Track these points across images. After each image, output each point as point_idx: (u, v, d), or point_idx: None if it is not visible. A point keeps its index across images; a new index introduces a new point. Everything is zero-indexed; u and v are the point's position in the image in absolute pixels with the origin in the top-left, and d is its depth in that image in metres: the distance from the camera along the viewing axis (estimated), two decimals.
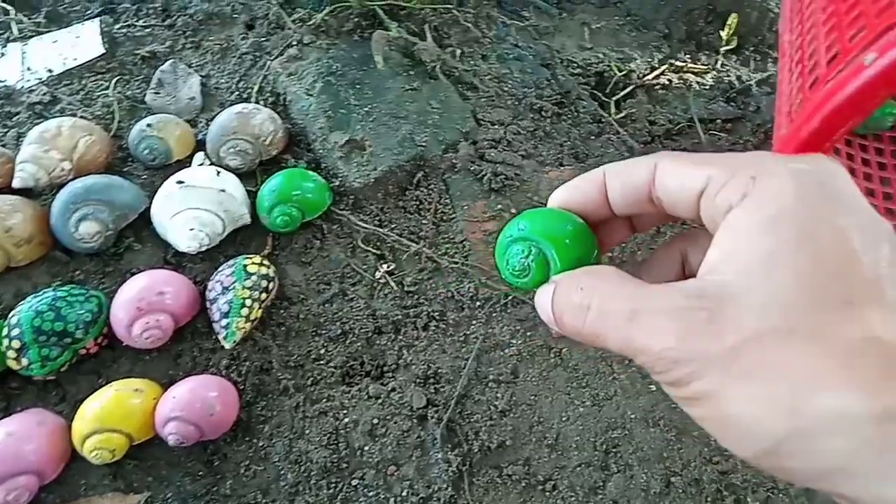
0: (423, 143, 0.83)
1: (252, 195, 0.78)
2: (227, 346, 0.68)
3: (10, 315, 0.65)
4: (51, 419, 0.64)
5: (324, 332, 0.73)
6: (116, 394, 0.63)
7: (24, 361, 0.64)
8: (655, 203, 0.28)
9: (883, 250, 0.23)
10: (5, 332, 0.64)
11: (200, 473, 0.65)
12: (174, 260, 0.76)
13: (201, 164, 0.80)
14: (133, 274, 0.73)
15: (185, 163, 0.82)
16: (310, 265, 0.77)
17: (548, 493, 0.66)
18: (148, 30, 0.97)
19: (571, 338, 0.27)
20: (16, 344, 0.63)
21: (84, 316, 0.66)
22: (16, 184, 0.75)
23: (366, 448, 0.66)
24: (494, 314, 0.75)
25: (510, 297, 0.76)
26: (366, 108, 0.85)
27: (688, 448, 0.68)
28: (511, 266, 0.29)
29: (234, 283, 0.69)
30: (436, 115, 0.87)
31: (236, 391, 0.67)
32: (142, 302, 0.67)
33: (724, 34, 0.97)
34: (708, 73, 1.01)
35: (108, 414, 0.62)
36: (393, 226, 0.80)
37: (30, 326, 0.63)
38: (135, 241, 0.76)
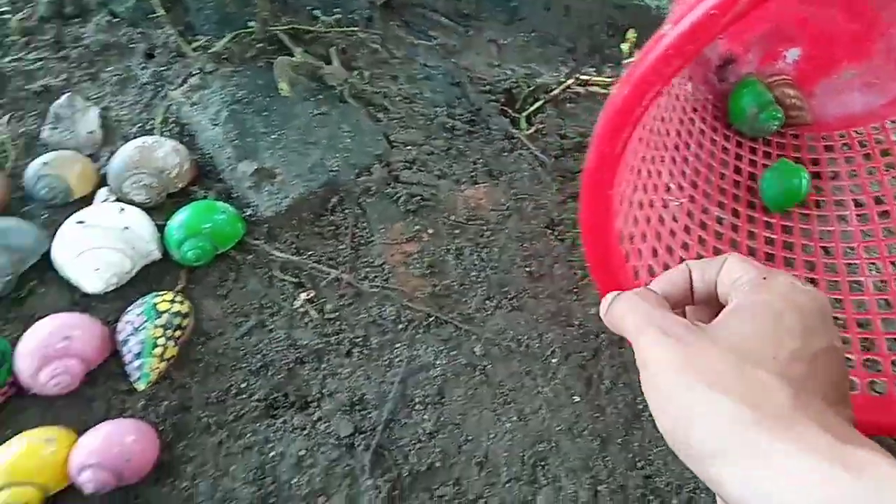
0: (336, 168, 0.83)
1: (161, 229, 0.76)
2: (141, 387, 0.66)
3: None
4: None
5: (244, 365, 0.72)
6: (27, 445, 0.60)
7: None
8: (715, 288, 0.39)
9: (815, 345, 0.34)
10: None
11: None
12: (82, 301, 0.73)
13: (105, 201, 0.77)
14: (38, 319, 0.70)
15: (88, 199, 0.79)
16: (226, 298, 0.76)
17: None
18: (40, 62, 0.93)
19: (606, 322, 0.40)
20: None
21: None
22: None
23: (293, 481, 0.66)
24: (418, 336, 0.76)
25: (432, 318, 0.76)
26: (274, 136, 0.84)
27: (613, 456, 0.71)
28: None
29: (144, 322, 0.67)
30: (347, 139, 0.87)
31: (155, 433, 0.65)
32: (47, 348, 0.64)
33: (624, 47, 1.02)
34: (613, 84, 1.05)
35: (19, 467, 0.59)
36: (310, 253, 0.80)
37: None
38: (38, 284, 0.73)
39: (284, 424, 0.69)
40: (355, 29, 1.00)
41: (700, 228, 0.83)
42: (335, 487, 0.66)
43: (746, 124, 0.94)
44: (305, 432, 0.68)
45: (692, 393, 0.31)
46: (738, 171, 0.94)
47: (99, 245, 0.70)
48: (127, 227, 0.71)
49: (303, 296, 0.77)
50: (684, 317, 0.39)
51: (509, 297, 0.80)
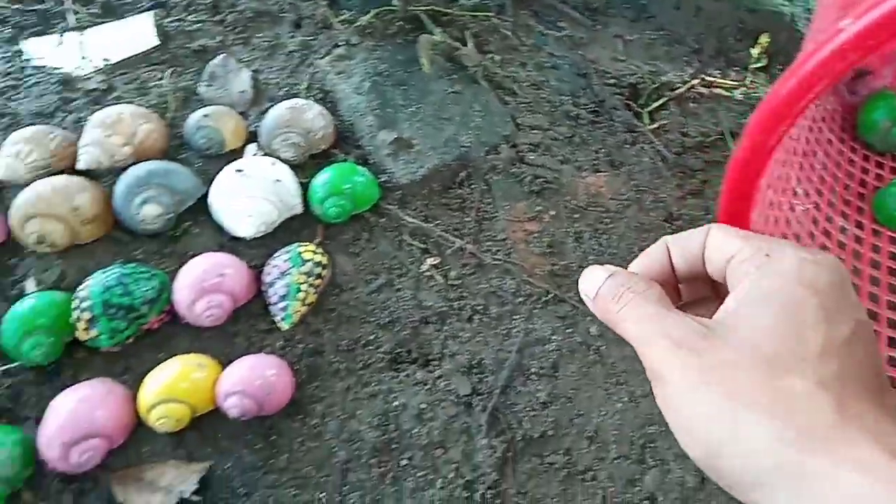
0: (467, 144, 0.87)
1: (303, 186, 0.81)
2: (285, 327, 0.72)
3: (79, 288, 0.68)
4: (118, 388, 0.66)
5: (372, 319, 0.76)
6: (181, 367, 0.66)
7: (93, 332, 0.67)
8: (703, 265, 0.35)
9: (844, 330, 0.29)
10: (76, 304, 0.67)
11: (258, 446, 0.68)
12: (230, 245, 0.79)
13: (254, 155, 0.83)
14: (191, 256, 0.76)
15: (238, 153, 0.85)
16: (358, 255, 0.81)
17: (587, 483, 0.69)
18: (198, 24, 1.00)
19: (596, 312, 0.35)
20: (86, 315, 0.66)
21: (148, 293, 0.69)
22: (79, 165, 0.78)
23: (414, 431, 0.70)
24: (535, 311, 0.79)
25: (551, 295, 0.79)
26: (412, 108, 0.88)
27: None
28: None
29: (290, 268, 0.72)
30: (478, 118, 0.91)
31: (291, 371, 0.70)
32: (205, 282, 0.70)
33: (754, 52, 1.01)
34: (737, 88, 1.05)
35: (173, 385, 0.65)
36: (438, 222, 0.84)
37: (100, 300, 0.66)
38: (192, 225, 0.79)
39: (407, 378, 0.73)
40: (489, 15, 1.03)
41: (824, 236, 0.83)
42: (452, 442, 0.69)
43: (877, 137, 0.93)
44: (427, 387, 0.72)
45: (718, 414, 0.27)
46: (863, 184, 0.93)
47: (253, 194, 0.75)
48: (279, 180, 0.77)
49: (429, 261, 0.80)
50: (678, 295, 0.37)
51: None
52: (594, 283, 0.35)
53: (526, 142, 0.91)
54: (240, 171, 0.76)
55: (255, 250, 0.79)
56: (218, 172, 0.82)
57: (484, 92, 0.94)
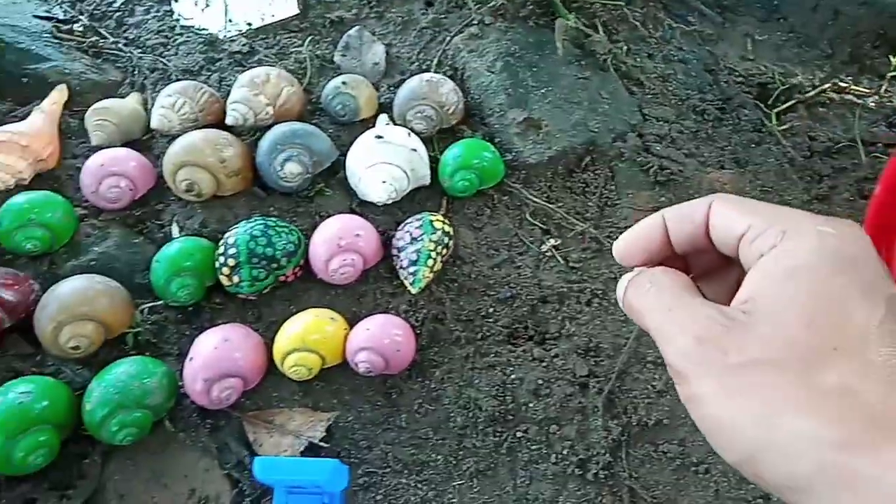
0: (595, 130, 0.87)
1: (431, 159, 0.83)
2: (414, 291, 0.74)
3: (226, 236, 0.72)
4: (254, 334, 0.70)
5: (492, 293, 0.77)
6: (316, 319, 0.69)
7: (236, 279, 0.70)
8: (709, 240, 0.33)
9: (878, 311, 0.27)
10: (221, 250, 0.71)
11: (379, 403, 0.70)
12: (359, 209, 0.81)
13: (386, 125, 0.85)
14: (322, 217, 0.79)
15: (368, 122, 0.88)
16: (481, 230, 0.82)
17: (700, 476, 0.68)
18: None
19: (626, 312, 0.33)
20: (231, 262, 0.70)
21: (288, 246, 0.72)
22: (228, 121, 0.81)
23: (530, 405, 0.71)
24: None
25: None
26: (542, 90, 0.89)
27: None
28: None
29: (422, 235, 0.74)
30: (605, 105, 0.91)
31: (414, 334, 0.72)
32: (341, 241, 0.72)
33: (894, 60, 0.98)
34: (870, 96, 1.01)
35: (308, 336, 0.67)
36: (560, 204, 0.84)
37: (245, 248, 0.70)
38: (325, 186, 0.82)
39: (524, 353, 0.74)
40: (619, 4, 1.03)
41: None
42: (567, 420, 0.70)
43: None
44: (543, 365, 0.73)
45: (752, 420, 0.25)
46: None
47: (390, 160, 0.77)
48: (414, 150, 0.79)
49: (550, 242, 0.81)
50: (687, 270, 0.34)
51: None
52: (622, 282, 0.34)
53: (652, 132, 0.91)
54: (380, 137, 0.78)
55: (381, 217, 0.81)
56: (348, 139, 0.85)
57: (611, 80, 0.94)
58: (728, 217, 0.32)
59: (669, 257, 0.34)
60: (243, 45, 0.95)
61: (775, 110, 0.98)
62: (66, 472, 0.63)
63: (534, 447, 0.69)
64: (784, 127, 0.96)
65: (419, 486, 0.66)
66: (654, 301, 0.31)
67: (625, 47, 0.99)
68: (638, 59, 0.99)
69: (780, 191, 0.90)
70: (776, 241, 0.29)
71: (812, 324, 0.27)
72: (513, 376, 0.72)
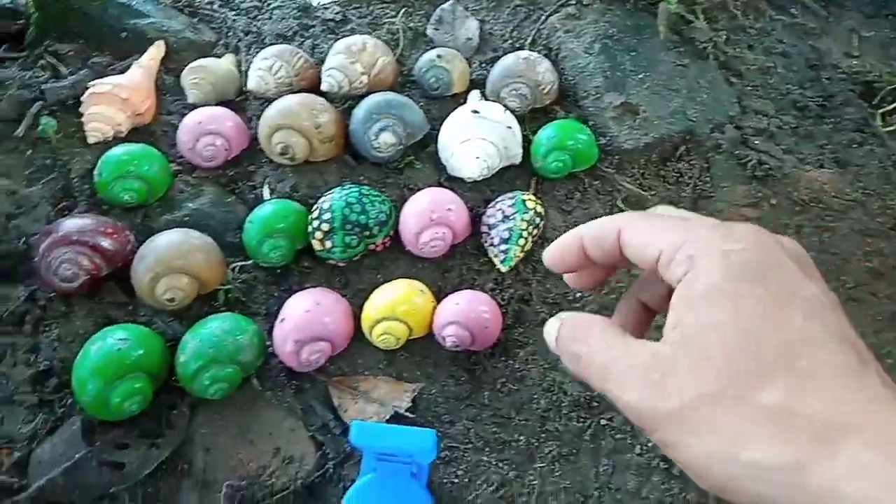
0: (693, 119, 0.85)
1: (523, 139, 0.82)
2: (504, 269, 0.73)
3: (321, 201, 0.72)
4: (343, 301, 0.70)
5: None
6: (407, 289, 0.69)
7: (328, 244, 0.70)
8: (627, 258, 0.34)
9: (796, 317, 0.28)
10: (316, 214, 0.71)
11: (463, 378, 0.69)
12: (447, 183, 0.80)
13: (479, 101, 0.84)
14: (411, 189, 0.79)
15: (459, 98, 0.87)
16: (570, 213, 0.80)
17: None
18: None
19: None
20: (325, 227, 0.70)
21: (380, 216, 0.72)
22: (323, 87, 0.81)
23: None
24: None
25: None
26: (640, 75, 0.86)
27: None
28: None
29: (514, 213, 0.73)
30: (704, 94, 0.88)
31: (500, 313, 0.71)
32: (433, 214, 0.71)
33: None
34: None
35: (398, 306, 0.67)
36: (653, 192, 0.82)
37: (340, 214, 0.69)
38: (415, 159, 0.81)
39: None
40: None
41: None
42: None
43: None
44: None
45: (708, 458, 0.27)
46: None
47: (484, 136, 0.76)
48: (510, 127, 0.78)
49: None
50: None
51: (847, 286, 0.77)
52: (551, 333, 0.35)
53: (751, 125, 0.88)
54: (476, 112, 0.77)
55: (470, 193, 0.80)
56: (438, 113, 0.84)
57: (711, 69, 0.91)
58: (638, 243, 0.33)
59: (596, 265, 0.37)
60: (336, 13, 0.94)
61: (881, 111, 0.94)
62: (156, 421, 0.64)
63: (618, 436, 0.67)
64: (890, 128, 0.92)
65: (500, 464, 0.66)
66: (587, 370, 0.32)
67: (725, 36, 0.96)
68: (738, 50, 0.96)
69: (882, 194, 0.86)
70: (687, 266, 0.30)
71: (736, 348, 0.28)
72: None
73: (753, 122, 0.88)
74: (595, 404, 0.69)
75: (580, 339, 0.33)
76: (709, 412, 0.27)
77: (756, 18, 1.01)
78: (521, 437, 0.67)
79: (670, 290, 0.31)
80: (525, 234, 0.72)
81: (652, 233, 0.33)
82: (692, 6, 0.97)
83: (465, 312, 0.67)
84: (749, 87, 0.92)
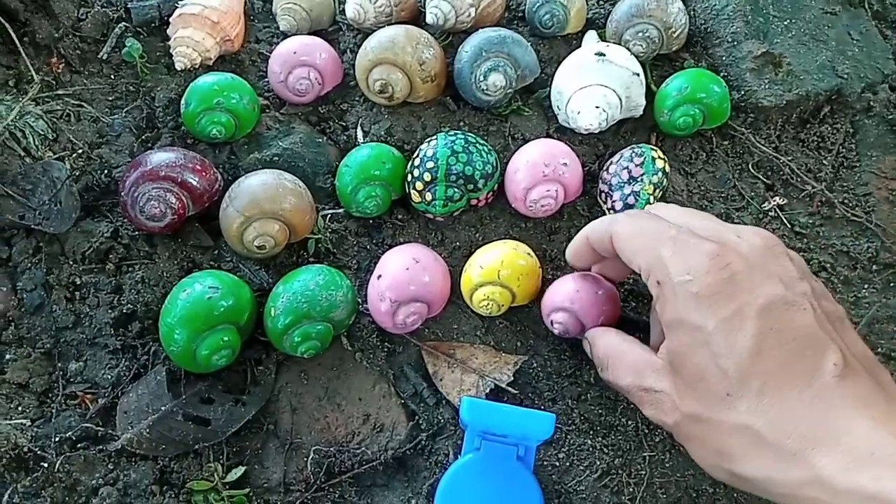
0: (844, 76, 0.74)
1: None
2: None
3: (423, 147, 0.65)
4: (441, 260, 0.63)
5: None
6: (514, 252, 0.62)
7: (428, 196, 0.64)
8: None
9: (743, 343, 0.31)
10: (417, 163, 0.64)
11: (567, 354, 0.63)
12: (555, 134, 0.73)
13: (598, 42, 0.75)
14: (516, 139, 0.71)
15: (572, 39, 0.78)
16: (693, 176, 0.72)
17: None
18: None
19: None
20: (427, 177, 0.63)
21: (487, 168, 0.65)
22: (428, 19, 0.73)
23: None
24: (893, 284, 0.67)
25: None
26: (785, 22, 0.76)
27: None
28: None
29: (643, 174, 0.65)
30: (855, 48, 0.77)
31: (618, 295, 0.62)
32: (547, 168, 0.64)
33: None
34: None
35: (504, 269, 0.60)
36: (790, 158, 0.73)
37: (444, 163, 0.63)
38: (523, 105, 0.73)
39: None
40: None
41: None
42: None
43: None
44: None
45: (713, 464, 0.35)
46: None
47: (606, 83, 0.68)
48: (637, 74, 0.69)
49: (775, 200, 0.70)
50: None
51: None
52: (589, 341, 0.51)
53: None
54: (601, 54, 0.68)
55: (580, 147, 0.72)
56: (547, 54, 0.76)
57: (864, 19, 0.79)
58: (623, 256, 0.41)
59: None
60: None
61: None
62: (241, 376, 0.60)
63: None
64: None
65: (605, 449, 0.60)
66: (614, 377, 0.46)
67: None
68: None
69: None
70: (657, 292, 0.36)
71: (703, 378, 0.32)
72: None
73: None
74: None
75: (603, 352, 0.49)
76: (695, 430, 0.33)
77: None
78: (630, 422, 0.61)
79: None
80: (652, 199, 0.64)
81: (632, 251, 0.39)
82: None
83: (582, 302, 0.58)
84: None
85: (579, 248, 0.44)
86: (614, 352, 0.46)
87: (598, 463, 0.59)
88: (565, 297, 0.59)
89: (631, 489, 0.59)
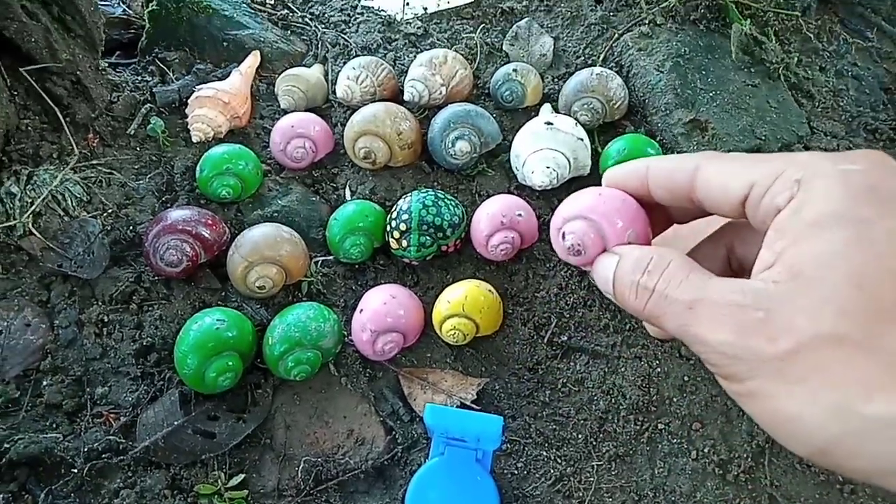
0: (762, 137, 0.86)
1: (592, 151, 0.85)
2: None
3: (399, 202, 0.77)
4: (415, 297, 0.74)
5: None
6: (476, 288, 0.73)
7: (404, 243, 0.75)
8: (696, 202, 0.29)
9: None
10: (394, 215, 0.76)
11: (525, 377, 0.73)
12: (516, 191, 0.84)
13: (552, 114, 0.88)
14: (482, 196, 0.83)
15: (531, 110, 0.91)
16: None
17: (846, 496, 0.67)
18: None
19: (622, 305, 0.30)
20: (402, 227, 0.75)
21: (454, 218, 0.76)
22: (406, 97, 0.87)
23: (674, 399, 0.71)
24: None
25: None
26: (710, 94, 0.89)
27: None
28: None
29: None
30: (773, 115, 0.89)
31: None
32: (504, 218, 0.75)
33: None
34: None
35: (468, 303, 0.71)
36: None
37: (417, 215, 0.74)
38: (487, 167, 0.86)
39: (671, 349, 0.75)
40: (794, 14, 1.00)
41: None
42: (711, 419, 0.71)
43: None
44: (691, 363, 0.74)
45: (820, 413, 0.22)
46: None
47: (555, 147, 0.80)
48: (580, 139, 0.81)
49: None
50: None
51: None
52: (608, 268, 0.30)
53: (820, 146, 0.89)
54: (549, 124, 0.81)
55: (537, 201, 0.84)
56: (510, 124, 0.89)
57: (781, 89, 0.92)
58: (724, 182, 0.28)
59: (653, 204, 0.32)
60: (418, 27, 1.00)
61: None
62: (242, 398, 0.70)
63: (674, 441, 0.70)
64: None
65: (558, 460, 0.69)
66: (665, 304, 0.27)
67: (796, 58, 0.97)
68: (809, 72, 0.97)
69: None
70: (792, 191, 0.25)
71: (863, 284, 0.23)
72: (658, 370, 0.73)
73: (823, 143, 0.89)
74: (653, 409, 0.71)
75: (653, 272, 0.28)
76: (826, 357, 0.22)
77: (829, 41, 1.02)
78: (580, 436, 0.70)
79: (756, 238, 0.27)
80: None
81: (742, 166, 0.27)
82: (765, 27, 0.98)
83: (607, 210, 0.35)
84: (819, 109, 0.93)
85: (632, 172, 0.32)
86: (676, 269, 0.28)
87: (552, 471, 0.68)
88: (584, 205, 0.38)
89: (581, 494, 0.67)
